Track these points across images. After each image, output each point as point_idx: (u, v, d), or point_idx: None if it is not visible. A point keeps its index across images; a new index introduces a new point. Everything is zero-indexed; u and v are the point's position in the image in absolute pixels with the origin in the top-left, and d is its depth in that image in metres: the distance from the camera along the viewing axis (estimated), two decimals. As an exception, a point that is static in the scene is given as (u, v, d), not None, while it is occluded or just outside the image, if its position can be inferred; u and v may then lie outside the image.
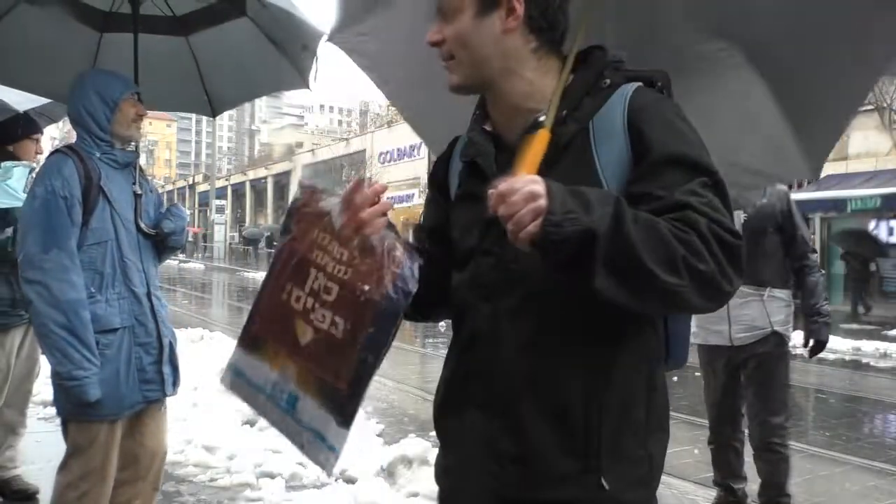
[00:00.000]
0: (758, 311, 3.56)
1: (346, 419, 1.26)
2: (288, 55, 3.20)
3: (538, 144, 1.22)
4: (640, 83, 1.28)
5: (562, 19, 1.30)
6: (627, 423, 1.23)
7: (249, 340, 1.41)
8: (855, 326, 13.55)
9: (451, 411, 1.36)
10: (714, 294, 1.12)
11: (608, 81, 1.27)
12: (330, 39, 2.01)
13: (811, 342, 3.72)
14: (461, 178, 1.41)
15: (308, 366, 1.29)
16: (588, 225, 1.04)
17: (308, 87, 3.26)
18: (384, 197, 1.28)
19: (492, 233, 1.25)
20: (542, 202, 1.04)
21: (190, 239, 43.78)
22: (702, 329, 3.58)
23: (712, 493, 4.25)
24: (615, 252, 1.05)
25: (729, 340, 3.60)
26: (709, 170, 1.18)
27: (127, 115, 2.57)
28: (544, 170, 1.18)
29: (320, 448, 1.28)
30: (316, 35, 3.03)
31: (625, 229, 1.05)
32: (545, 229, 1.04)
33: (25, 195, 3.37)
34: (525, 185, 1.06)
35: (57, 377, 2.37)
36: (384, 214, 1.28)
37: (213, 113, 3.57)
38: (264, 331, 1.38)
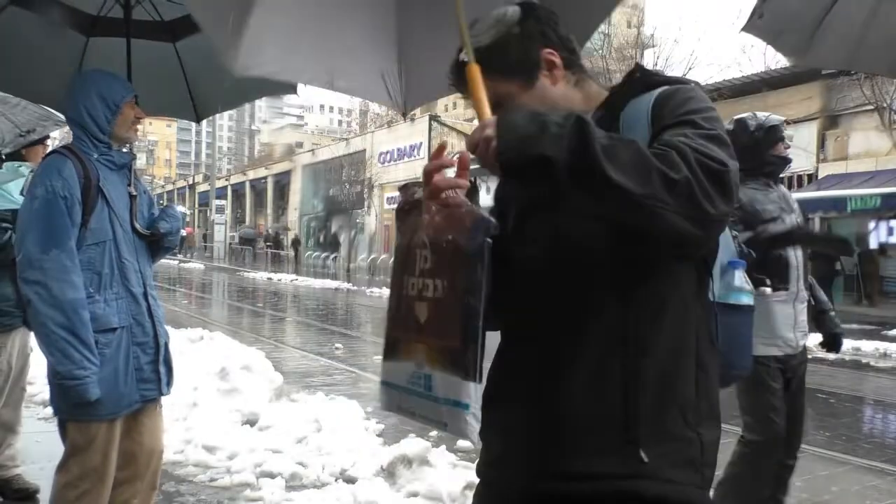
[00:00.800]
0: (805, 314, 3.41)
1: (469, 372, 1.22)
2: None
3: (472, 80, 1.32)
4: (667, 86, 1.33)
5: (573, 43, 1.42)
6: (673, 398, 1.23)
7: (388, 349, 1.43)
8: (855, 326, 13.56)
9: (496, 405, 1.33)
10: (696, 213, 1.10)
11: (637, 75, 1.36)
12: (241, 74, 2.03)
13: (829, 338, 3.59)
14: None
15: (431, 341, 1.30)
16: (542, 150, 1.08)
17: (295, 92, 3.29)
18: (450, 166, 1.29)
19: (521, 232, 1.35)
20: (489, 131, 1.12)
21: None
22: (766, 338, 3.20)
23: (712, 492, 4.25)
24: (581, 169, 1.07)
25: (795, 347, 3.31)
26: (709, 127, 1.19)
27: (127, 117, 2.59)
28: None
29: (457, 415, 1.23)
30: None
31: (590, 146, 1.07)
32: (500, 157, 1.11)
33: (22, 197, 3.39)
34: (482, 123, 1.16)
35: (57, 377, 2.37)
36: (461, 174, 1.29)
37: (198, 118, 3.58)
38: (395, 331, 1.41)
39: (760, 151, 3.31)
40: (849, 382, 8.18)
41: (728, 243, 1.50)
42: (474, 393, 1.21)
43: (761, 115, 3.44)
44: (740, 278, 1.53)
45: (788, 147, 3.43)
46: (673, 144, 1.13)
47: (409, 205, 1.38)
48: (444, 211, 1.28)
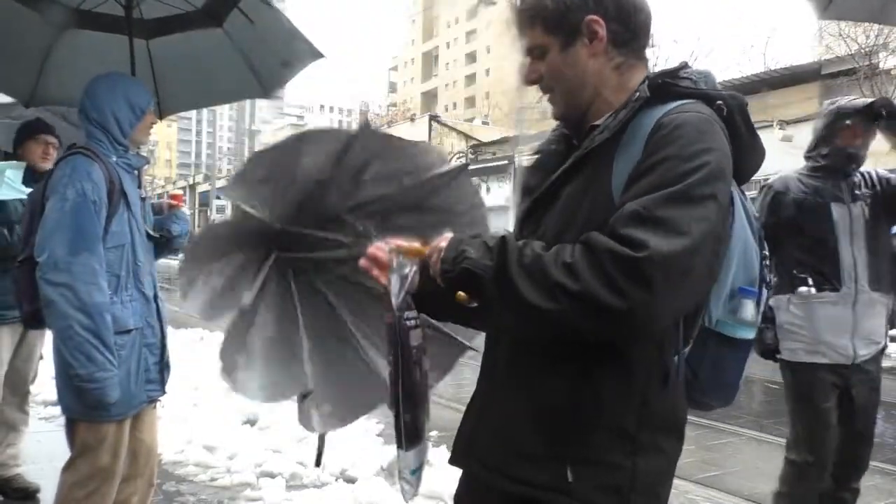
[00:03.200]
0: (879, 320, 2.92)
1: (400, 441, 1.31)
2: (254, 68, 3.30)
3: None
4: (688, 101, 1.27)
5: (644, 24, 1.35)
6: (607, 425, 1.25)
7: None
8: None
9: (473, 398, 1.47)
10: (601, 312, 1.11)
11: (637, 94, 1.28)
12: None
13: None
14: (527, 169, 1.51)
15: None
16: (470, 266, 1.20)
17: (269, 98, 3.38)
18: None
19: (528, 225, 1.39)
20: (442, 244, 1.25)
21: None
22: (809, 343, 2.90)
23: (712, 492, 4.26)
24: (498, 290, 1.18)
25: (851, 357, 2.86)
26: (680, 180, 1.15)
27: (147, 123, 2.64)
28: (573, 174, 1.31)
29: (404, 480, 1.35)
30: (308, 54, 3.12)
31: (507, 268, 1.17)
32: (440, 267, 1.23)
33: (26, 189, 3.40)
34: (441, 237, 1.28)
35: (76, 379, 2.34)
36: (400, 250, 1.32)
37: (160, 116, 3.54)
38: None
39: (824, 142, 3.00)
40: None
41: (749, 264, 1.34)
42: (403, 459, 1.32)
43: (845, 98, 3.03)
44: (750, 310, 1.33)
45: (859, 138, 2.97)
46: (590, 242, 1.14)
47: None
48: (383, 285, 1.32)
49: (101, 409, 2.40)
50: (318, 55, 3.27)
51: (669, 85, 1.30)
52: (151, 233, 2.67)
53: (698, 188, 1.15)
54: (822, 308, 2.87)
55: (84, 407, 2.41)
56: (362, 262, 1.35)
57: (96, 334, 2.33)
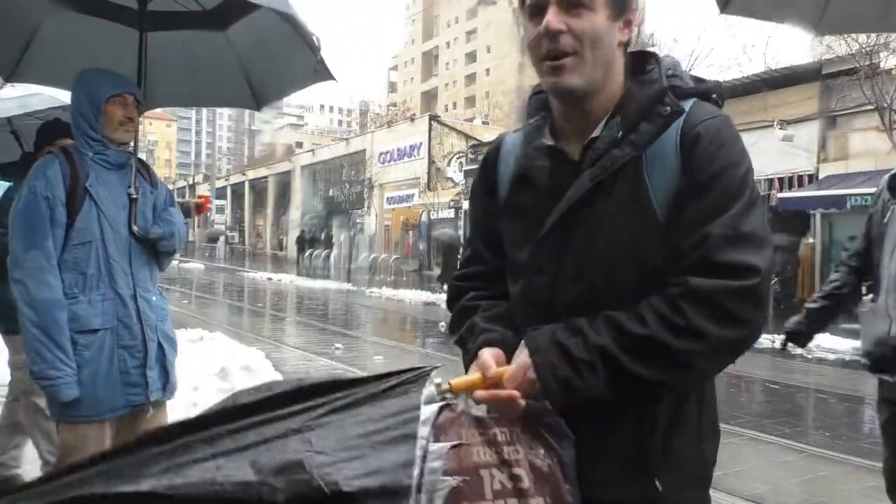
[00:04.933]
0: None
1: None
2: (249, 79, 3.31)
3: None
4: (694, 99, 1.28)
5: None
6: (680, 429, 1.27)
7: None
8: (856, 326, 13.53)
9: None
10: (733, 349, 1.20)
11: (668, 109, 1.25)
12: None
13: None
14: (512, 185, 1.38)
15: None
16: (587, 396, 1.17)
17: (334, 77, 3.23)
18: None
19: (544, 249, 1.29)
20: (531, 374, 1.19)
21: (191, 239, 43.89)
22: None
23: (712, 492, 4.24)
24: (617, 393, 1.17)
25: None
26: (743, 187, 1.21)
27: (113, 116, 2.53)
28: (599, 194, 1.24)
29: None
30: (315, 76, 3.12)
31: (625, 372, 1.16)
32: (546, 398, 1.19)
33: None
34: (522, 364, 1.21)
35: (33, 376, 2.38)
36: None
37: (258, 105, 3.54)
38: None
39: None
40: (849, 382, 8.17)
41: None
42: None
43: None
44: None
45: None
46: (697, 288, 1.15)
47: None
48: (521, 423, 1.19)
49: (67, 408, 2.38)
50: (327, 77, 3.18)
51: (677, 88, 1.29)
52: (137, 233, 2.58)
53: (755, 190, 1.23)
54: (865, 317, 2.75)
55: (54, 406, 2.43)
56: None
57: (44, 331, 2.33)
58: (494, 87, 62.66)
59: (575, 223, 1.26)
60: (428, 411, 1.12)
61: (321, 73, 3.26)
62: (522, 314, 1.33)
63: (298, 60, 3.27)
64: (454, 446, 1.12)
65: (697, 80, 1.34)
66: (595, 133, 1.28)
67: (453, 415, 1.16)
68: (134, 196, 2.60)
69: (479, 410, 1.21)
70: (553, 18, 1.20)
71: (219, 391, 5.30)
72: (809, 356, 9.78)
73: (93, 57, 2.98)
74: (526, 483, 1.14)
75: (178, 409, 4.84)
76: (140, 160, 2.72)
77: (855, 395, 7.57)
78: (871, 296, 2.73)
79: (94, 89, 2.52)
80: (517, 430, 1.18)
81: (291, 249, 36.73)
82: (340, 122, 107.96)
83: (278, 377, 5.95)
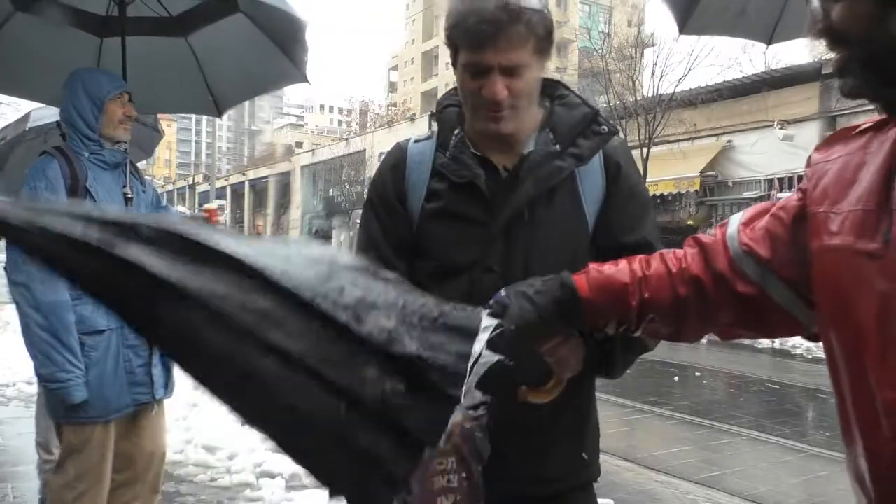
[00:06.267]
0: None
1: None
2: (284, 49, 3.18)
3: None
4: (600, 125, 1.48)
5: None
6: (593, 408, 1.54)
7: None
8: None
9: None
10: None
11: (605, 129, 1.45)
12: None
13: None
14: (439, 193, 1.46)
15: None
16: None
17: (307, 81, 3.25)
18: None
19: (493, 251, 1.40)
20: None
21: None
22: None
23: (712, 492, 4.25)
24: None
25: None
26: (647, 196, 1.54)
27: (113, 115, 2.55)
28: (540, 200, 1.40)
29: None
30: (302, 25, 3.00)
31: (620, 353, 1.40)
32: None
33: None
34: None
35: (41, 379, 2.37)
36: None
37: (219, 112, 3.55)
38: None
39: None
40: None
41: None
42: None
43: None
44: None
45: None
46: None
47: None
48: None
49: (75, 410, 2.37)
50: (305, 24, 3.09)
51: (601, 122, 1.48)
52: None
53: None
54: None
55: (61, 408, 2.41)
56: None
57: (53, 334, 2.32)
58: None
59: (520, 226, 1.40)
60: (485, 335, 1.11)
61: (293, 75, 3.25)
62: None
63: (267, 64, 3.26)
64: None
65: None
66: (530, 147, 1.43)
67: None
68: (129, 195, 2.60)
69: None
70: (499, 90, 1.34)
71: (219, 391, 5.30)
72: (809, 356, 9.78)
73: (48, 64, 2.98)
74: None
75: (178, 408, 4.85)
76: (130, 161, 2.71)
77: (855, 395, 7.56)
78: None
79: (96, 88, 2.52)
80: (456, 458, 1.27)
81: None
82: (340, 122, 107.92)
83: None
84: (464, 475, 1.28)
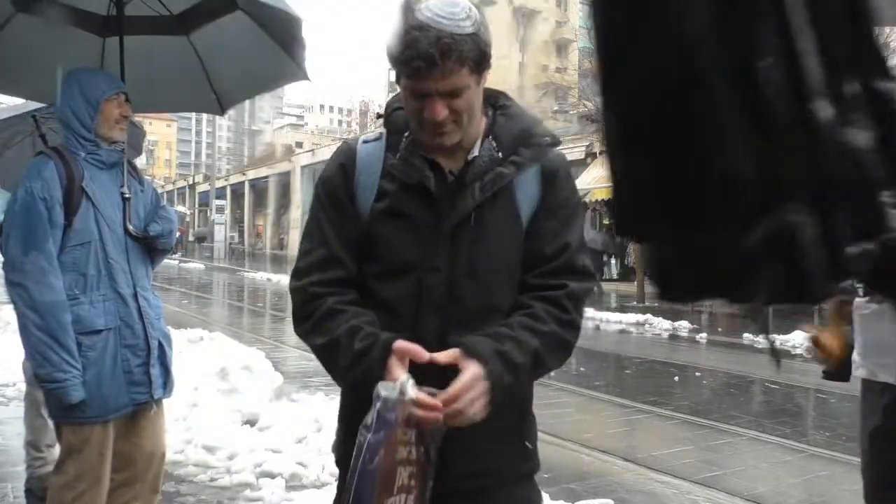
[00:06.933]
0: None
1: None
2: (284, 47, 3.18)
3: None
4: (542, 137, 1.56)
5: None
6: (531, 399, 1.59)
7: None
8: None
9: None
10: (571, 346, 1.51)
11: (548, 140, 1.52)
12: None
13: None
14: (388, 193, 1.50)
15: None
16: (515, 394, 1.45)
17: (308, 78, 3.25)
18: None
19: (440, 251, 1.46)
20: (483, 394, 1.35)
21: (191, 239, 43.94)
22: (867, 359, 2.59)
23: (712, 492, 4.25)
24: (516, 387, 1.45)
25: None
26: (580, 207, 1.60)
27: (110, 115, 2.54)
28: (485, 205, 1.46)
29: None
30: (297, 22, 2.99)
31: (517, 380, 1.41)
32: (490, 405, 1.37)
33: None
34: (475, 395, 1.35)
35: (38, 379, 2.38)
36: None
37: (222, 111, 3.54)
38: None
39: None
40: (849, 383, 8.19)
41: None
42: None
43: None
44: None
45: None
46: (555, 302, 1.46)
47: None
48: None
49: (73, 410, 2.37)
50: (300, 20, 3.05)
51: (546, 138, 1.56)
52: (132, 232, 2.58)
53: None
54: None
55: (59, 408, 2.41)
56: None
57: (50, 334, 2.32)
58: (494, 87, 62.51)
59: (465, 228, 1.46)
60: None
61: (294, 73, 3.25)
62: (406, 309, 1.47)
63: (268, 61, 3.25)
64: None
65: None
66: (475, 153, 1.49)
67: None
68: (127, 195, 2.59)
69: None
70: (439, 112, 1.39)
71: (219, 391, 5.30)
72: (809, 356, 9.76)
73: (51, 64, 2.97)
74: (413, 481, 1.35)
75: (178, 408, 4.85)
76: (128, 160, 2.71)
77: (854, 395, 7.57)
78: (865, 297, 2.49)
79: (92, 88, 2.52)
80: (416, 433, 1.35)
81: (293, 248, 36.66)
82: (340, 122, 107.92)
83: (278, 377, 5.96)
84: (422, 450, 1.36)
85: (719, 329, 12.48)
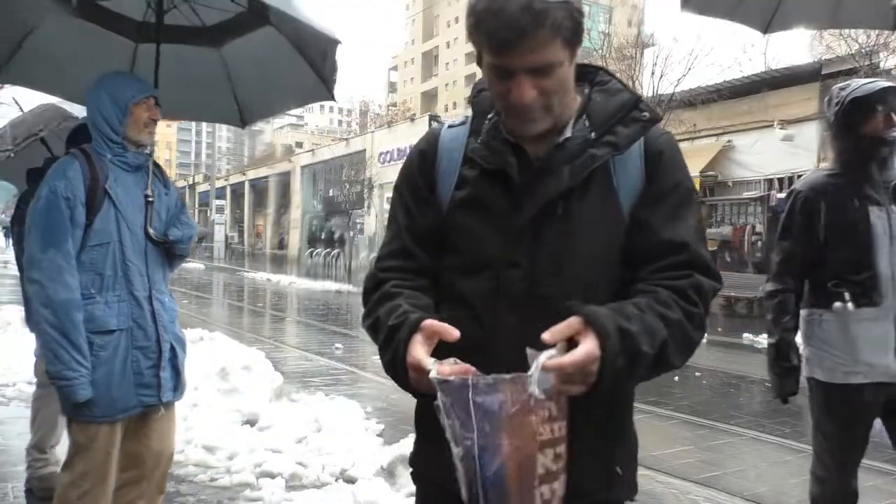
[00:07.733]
0: None
1: None
2: (314, 67, 3.19)
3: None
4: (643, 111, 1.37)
5: None
6: (629, 408, 1.41)
7: None
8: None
9: None
10: (696, 345, 1.28)
11: (647, 115, 1.34)
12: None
13: None
14: (468, 180, 1.37)
15: None
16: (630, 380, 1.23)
17: (333, 99, 3.25)
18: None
19: (518, 244, 1.31)
20: (594, 367, 1.13)
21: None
22: (845, 363, 2.63)
23: (712, 492, 4.25)
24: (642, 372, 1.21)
25: (893, 375, 2.59)
26: (693, 193, 1.37)
27: (139, 119, 2.57)
28: (574, 192, 1.29)
29: None
30: (332, 43, 3.00)
31: (666, 359, 1.22)
32: (602, 386, 1.15)
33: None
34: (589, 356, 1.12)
35: (49, 376, 2.40)
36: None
37: (244, 124, 3.56)
38: None
39: (850, 132, 2.63)
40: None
41: None
42: None
43: (856, 82, 2.68)
44: None
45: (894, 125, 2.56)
46: (680, 291, 1.25)
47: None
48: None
49: (81, 409, 2.39)
50: (336, 42, 3.06)
51: (649, 114, 1.37)
52: (153, 235, 2.60)
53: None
54: (861, 325, 2.57)
55: (68, 406, 2.42)
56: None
57: (62, 332, 2.34)
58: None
59: (550, 219, 1.30)
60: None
61: (322, 94, 3.26)
62: (484, 306, 1.32)
63: (295, 80, 3.27)
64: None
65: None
66: (567, 134, 1.33)
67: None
68: (150, 198, 2.62)
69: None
70: (525, 94, 1.24)
71: (219, 391, 5.31)
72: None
73: (85, 66, 2.98)
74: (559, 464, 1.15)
75: (179, 408, 4.84)
76: (155, 162, 2.73)
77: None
78: (848, 303, 2.58)
79: (121, 92, 2.54)
80: (557, 404, 1.14)
81: (293, 248, 36.67)
82: (340, 122, 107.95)
83: (278, 377, 5.96)
84: (564, 424, 1.15)
85: (719, 329, 12.49)
